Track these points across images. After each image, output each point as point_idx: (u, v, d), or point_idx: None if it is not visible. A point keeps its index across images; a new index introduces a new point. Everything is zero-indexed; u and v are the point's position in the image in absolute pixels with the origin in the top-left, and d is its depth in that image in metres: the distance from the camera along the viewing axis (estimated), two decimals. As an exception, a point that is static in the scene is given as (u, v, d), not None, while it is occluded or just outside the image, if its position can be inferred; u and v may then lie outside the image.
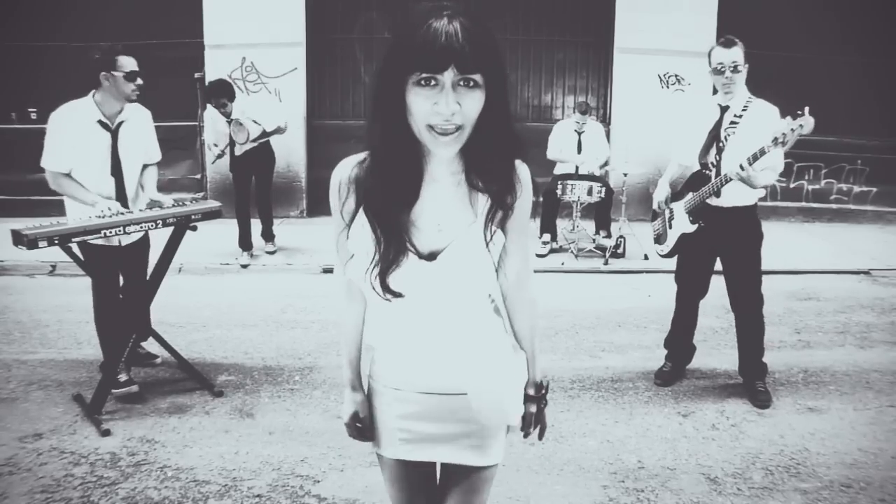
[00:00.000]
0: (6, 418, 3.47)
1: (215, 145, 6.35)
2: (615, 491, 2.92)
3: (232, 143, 6.28)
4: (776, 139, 3.22)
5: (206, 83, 6.41)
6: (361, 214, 1.41)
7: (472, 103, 1.27)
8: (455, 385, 1.51)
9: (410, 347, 1.52)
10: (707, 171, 3.63)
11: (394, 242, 1.39)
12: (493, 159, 1.38)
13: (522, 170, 1.46)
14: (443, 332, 1.48)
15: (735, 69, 3.48)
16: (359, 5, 8.69)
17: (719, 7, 8.25)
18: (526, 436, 1.69)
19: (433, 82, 1.24)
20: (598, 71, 8.94)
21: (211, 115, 6.30)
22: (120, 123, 3.58)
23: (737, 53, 3.48)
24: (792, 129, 3.18)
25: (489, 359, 1.51)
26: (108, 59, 3.43)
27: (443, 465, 1.66)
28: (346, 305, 1.61)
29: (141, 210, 3.57)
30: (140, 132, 3.70)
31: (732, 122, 3.55)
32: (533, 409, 1.65)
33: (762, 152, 3.29)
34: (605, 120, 8.76)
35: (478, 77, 1.26)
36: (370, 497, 2.83)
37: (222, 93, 6.10)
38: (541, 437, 1.71)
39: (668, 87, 8.44)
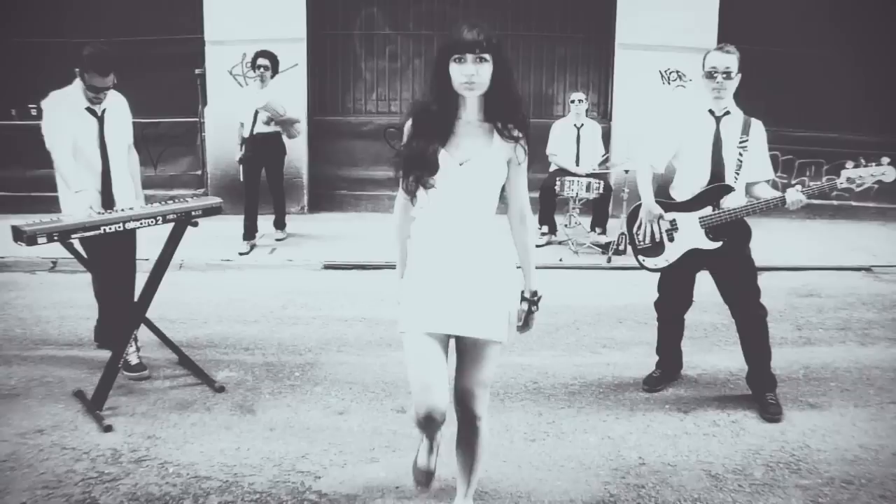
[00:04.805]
0: (8, 414, 3.47)
1: (241, 124, 6.53)
2: (616, 487, 2.92)
3: (253, 123, 6.41)
4: (850, 178, 3.39)
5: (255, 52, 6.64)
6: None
7: (484, 71, 2.16)
8: (465, 275, 2.24)
9: (433, 239, 2.27)
10: (732, 188, 3.51)
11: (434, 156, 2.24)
12: (502, 108, 2.24)
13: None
14: (460, 231, 2.25)
15: (728, 76, 3.45)
16: (360, 1, 8.66)
17: (720, 3, 8.22)
18: (520, 330, 2.42)
19: (462, 60, 2.14)
20: (600, 67, 8.91)
21: (247, 91, 6.67)
22: (104, 110, 3.81)
23: (731, 60, 3.44)
24: (872, 175, 3.37)
25: (490, 264, 2.28)
26: (85, 66, 3.67)
27: (456, 339, 2.30)
28: (401, 216, 2.42)
29: (142, 206, 3.58)
30: (121, 117, 3.94)
31: (742, 143, 3.50)
32: (525, 307, 2.40)
33: (832, 188, 3.43)
34: (607, 116, 8.74)
35: (487, 56, 2.15)
36: (371, 493, 2.83)
37: (267, 57, 6.36)
38: (521, 330, 2.43)
39: (669, 83, 8.42)
